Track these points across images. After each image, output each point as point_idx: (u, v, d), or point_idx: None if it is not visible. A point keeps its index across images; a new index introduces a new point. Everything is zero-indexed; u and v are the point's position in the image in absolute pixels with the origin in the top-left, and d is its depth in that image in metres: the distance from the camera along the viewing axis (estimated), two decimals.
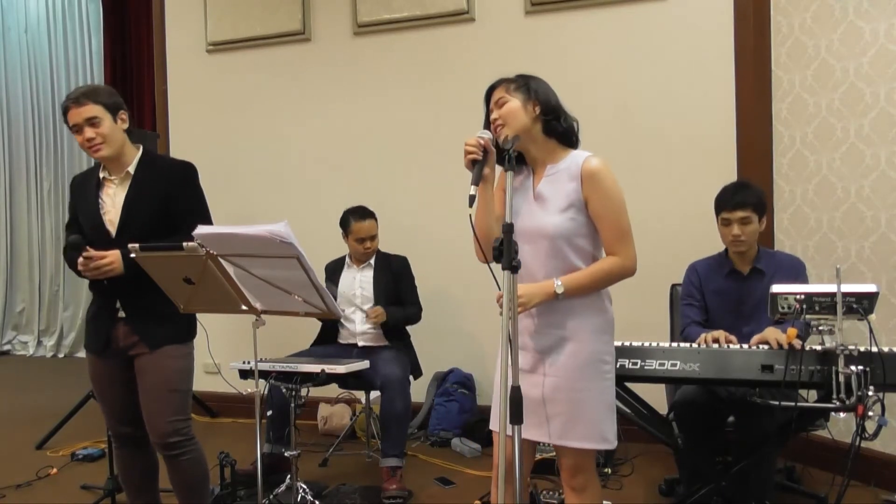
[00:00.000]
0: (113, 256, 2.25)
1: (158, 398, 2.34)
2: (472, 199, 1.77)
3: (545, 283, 1.88)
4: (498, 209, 1.99)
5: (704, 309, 2.83)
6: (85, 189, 2.43)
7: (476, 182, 1.82)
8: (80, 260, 2.25)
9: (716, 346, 2.41)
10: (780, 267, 2.75)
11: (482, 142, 1.88)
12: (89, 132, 2.27)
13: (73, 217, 2.49)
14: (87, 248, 2.25)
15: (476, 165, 1.86)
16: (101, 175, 2.41)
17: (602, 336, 1.94)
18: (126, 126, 2.36)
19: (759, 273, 2.75)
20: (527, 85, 1.95)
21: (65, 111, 2.30)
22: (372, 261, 3.65)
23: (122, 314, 2.36)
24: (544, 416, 1.91)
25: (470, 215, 1.81)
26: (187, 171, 2.44)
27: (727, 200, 2.71)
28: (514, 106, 1.92)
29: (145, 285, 2.25)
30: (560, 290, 1.86)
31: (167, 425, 2.34)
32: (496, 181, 2.00)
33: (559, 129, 1.96)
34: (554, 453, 2.89)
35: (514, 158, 1.85)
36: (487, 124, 1.99)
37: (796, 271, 2.74)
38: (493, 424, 2.02)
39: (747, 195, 2.70)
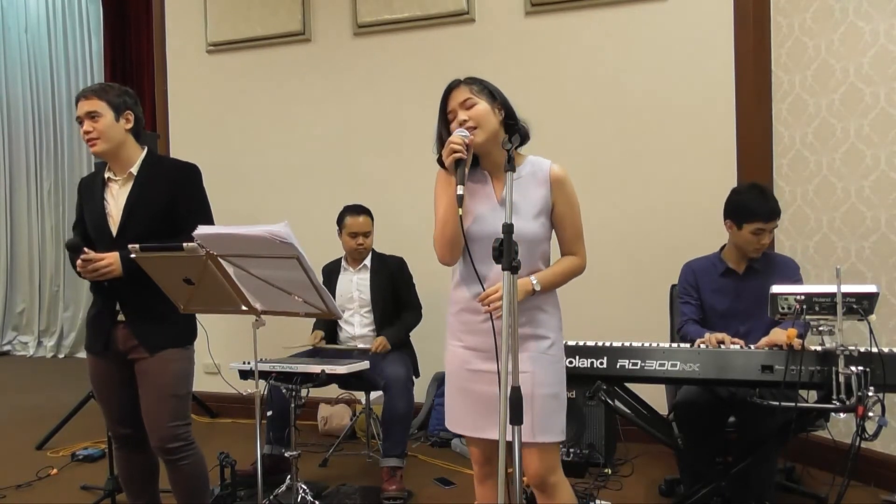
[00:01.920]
0: (111, 258, 2.25)
1: (158, 403, 2.33)
2: (460, 199, 1.79)
3: (522, 280, 1.89)
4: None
5: (701, 307, 2.85)
6: (91, 189, 2.44)
7: (462, 181, 1.81)
8: (79, 262, 2.25)
9: (722, 346, 2.40)
10: (775, 266, 2.78)
11: (467, 141, 1.88)
12: (87, 125, 2.31)
13: (80, 217, 2.50)
14: (87, 250, 2.25)
15: (460, 165, 1.85)
16: (106, 175, 2.42)
17: (560, 332, 2.03)
18: (130, 126, 2.37)
19: (755, 272, 2.77)
20: (487, 89, 1.97)
21: (76, 103, 2.36)
22: (368, 262, 3.64)
23: (121, 316, 2.36)
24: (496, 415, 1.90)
25: (460, 216, 1.82)
26: (190, 173, 2.44)
27: (762, 211, 2.66)
28: (485, 108, 1.93)
29: (146, 287, 2.25)
30: (538, 288, 1.92)
31: (167, 430, 2.34)
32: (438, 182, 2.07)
33: (520, 133, 1.98)
34: None
35: (471, 163, 1.90)
36: (444, 124, 1.99)
37: (791, 271, 2.77)
38: (454, 426, 2.04)
39: (776, 203, 2.71)
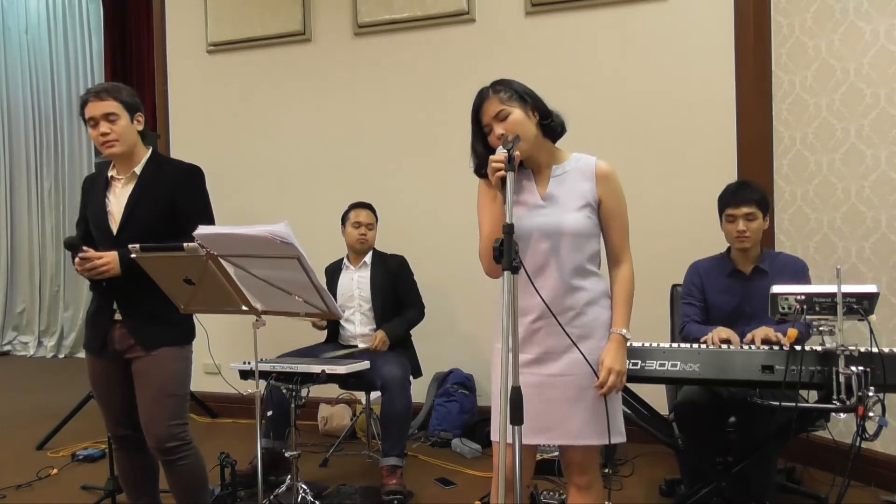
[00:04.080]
0: (109, 257, 2.25)
1: (155, 402, 2.32)
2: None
3: (613, 342, 1.90)
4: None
5: (704, 308, 2.84)
6: (94, 187, 2.44)
7: (507, 170, 1.74)
8: (77, 260, 2.24)
9: (725, 346, 2.40)
10: (783, 267, 2.76)
11: (514, 154, 1.79)
12: (104, 127, 2.28)
13: (83, 215, 2.49)
14: (85, 248, 2.25)
15: (505, 184, 1.76)
16: (110, 174, 2.41)
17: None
18: (141, 128, 2.36)
19: (762, 273, 2.75)
20: (518, 93, 1.92)
21: (83, 103, 2.30)
22: (368, 260, 3.65)
23: (118, 316, 2.35)
24: (562, 418, 1.90)
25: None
26: (194, 175, 2.44)
27: (731, 197, 2.75)
28: (520, 117, 1.88)
29: (143, 287, 2.25)
30: (629, 336, 1.92)
31: (164, 430, 2.32)
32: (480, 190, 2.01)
33: (557, 129, 1.98)
34: (556, 453, 2.90)
35: (515, 161, 1.83)
36: (480, 139, 1.93)
37: (799, 272, 2.74)
38: (495, 433, 1.97)
39: (751, 192, 2.74)
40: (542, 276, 1.90)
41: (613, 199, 1.95)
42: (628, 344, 1.94)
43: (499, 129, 1.88)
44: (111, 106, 2.28)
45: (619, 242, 1.97)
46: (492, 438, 2.01)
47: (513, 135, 1.86)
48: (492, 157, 1.82)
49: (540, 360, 1.91)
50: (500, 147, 1.84)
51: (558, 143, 2.03)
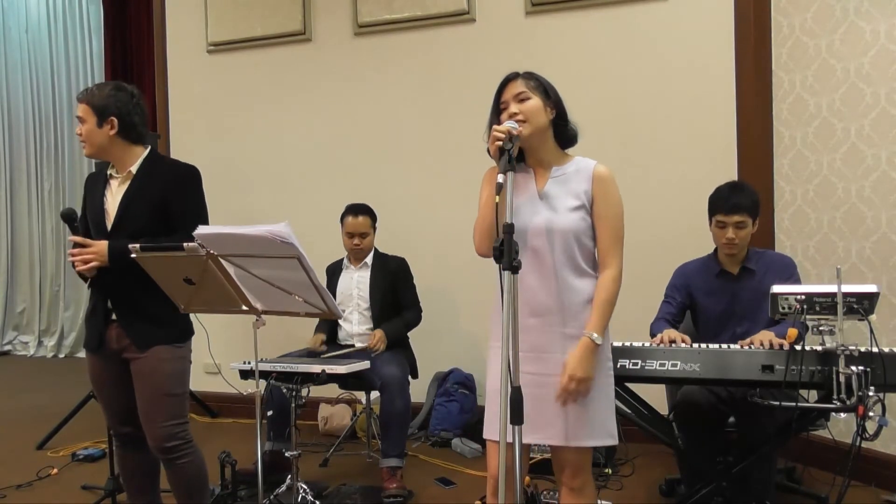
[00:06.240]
0: (99, 247, 2.26)
1: (154, 403, 2.33)
2: (499, 186, 1.74)
3: (581, 346, 1.87)
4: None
5: (682, 310, 2.87)
6: (94, 185, 2.47)
7: (503, 170, 1.76)
8: (69, 240, 2.29)
9: (672, 346, 2.41)
10: (771, 265, 2.76)
11: (514, 132, 1.86)
12: (77, 128, 2.37)
13: (83, 213, 2.51)
14: (77, 227, 2.32)
15: (503, 154, 1.81)
16: (109, 172, 2.44)
17: (607, 331, 1.97)
18: (113, 132, 2.34)
19: (750, 272, 2.76)
20: (543, 86, 1.98)
21: None
22: (369, 260, 3.65)
23: (114, 315, 2.36)
24: (553, 417, 1.90)
25: (496, 204, 1.74)
26: (189, 174, 2.44)
27: (722, 203, 2.70)
28: (538, 105, 1.93)
29: (136, 286, 2.26)
30: (599, 341, 1.88)
31: (164, 430, 2.33)
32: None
33: (568, 134, 2.02)
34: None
35: (514, 159, 1.84)
36: (496, 114, 1.98)
37: (787, 269, 2.74)
38: (490, 433, 1.97)
39: (743, 198, 2.69)
40: (536, 273, 1.91)
41: (605, 201, 1.95)
42: (596, 344, 1.88)
43: (513, 108, 1.93)
44: (80, 109, 2.34)
45: (607, 246, 1.96)
46: (485, 437, 1.99)
47: (524, 116, 1.90)
48: (495, 126, 1.89)
49: (533, 358, 1.90)
50: (508, 122, 1.88)
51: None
